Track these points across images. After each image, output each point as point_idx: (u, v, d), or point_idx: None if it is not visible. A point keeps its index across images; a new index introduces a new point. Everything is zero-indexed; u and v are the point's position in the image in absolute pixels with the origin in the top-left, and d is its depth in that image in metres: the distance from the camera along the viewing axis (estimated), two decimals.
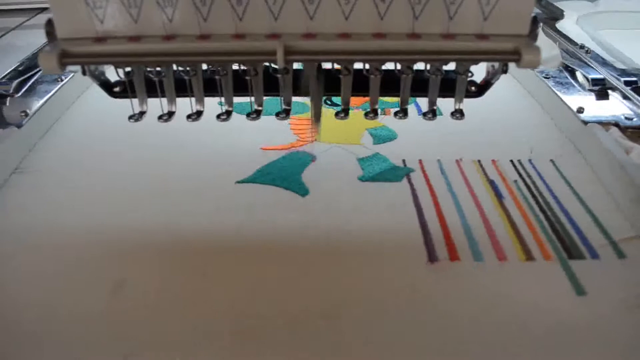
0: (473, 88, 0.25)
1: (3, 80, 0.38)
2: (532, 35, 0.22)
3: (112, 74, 0.24)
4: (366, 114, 0.25)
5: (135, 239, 0.26)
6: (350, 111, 0.25)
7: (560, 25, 0.53)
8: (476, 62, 0.23)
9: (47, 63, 0.21)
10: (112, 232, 0.27)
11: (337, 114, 0.25)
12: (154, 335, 0.21)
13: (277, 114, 0.25)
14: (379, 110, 0.36)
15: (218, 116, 0.25)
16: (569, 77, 0.40)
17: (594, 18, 0.57)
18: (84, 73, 0.23)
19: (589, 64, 0.41)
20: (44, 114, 0.36)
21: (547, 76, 0.40)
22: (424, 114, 0.25)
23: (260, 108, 0.25)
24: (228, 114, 0.25)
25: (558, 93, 0.37)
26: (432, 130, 0.35)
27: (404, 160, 0.32)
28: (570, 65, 0.41)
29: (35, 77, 0.39)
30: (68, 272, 0.24)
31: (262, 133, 0.34)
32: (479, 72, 0.25)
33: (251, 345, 0.21)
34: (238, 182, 0.30)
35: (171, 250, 0.25)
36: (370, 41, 0.21)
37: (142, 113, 0.25)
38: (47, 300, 0.23)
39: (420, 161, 0.32)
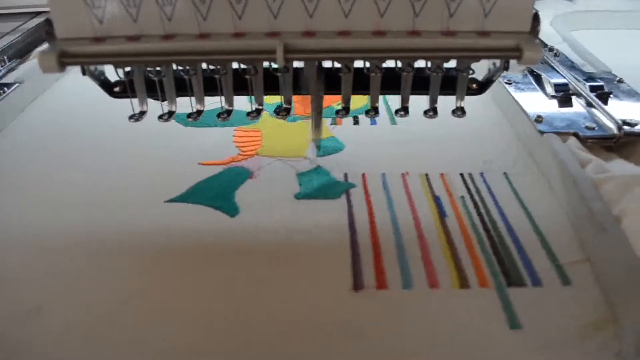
0: (474, 85, 0.25)
1: None
2: (534, 31, 0.22)
3: (112, 74, 0.24)
4: (367, 112, 0.25)
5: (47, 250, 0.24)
6: (295, 122, 0.24)
7: None
8: (477, 59, 0.23)
9: (46, 63, 0.21)
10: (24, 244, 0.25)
11: (277, 112, 0.25)
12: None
13: (248, 114, 0.25)
14: (329, 120, 0.34)
15: (219, 115, 0.25)
16: (533, 82, 0.38)
17: (570, 18, 0.55)
18: (83, 73, 0.24)
19: (556, 68, 0.39)
20: None
21: (510, 82, 0.38)
22: (425, 112, 0.25)
23: (260, 107, 0.25)
24: (228, 113, 0.25)
25: (518, 100, 0.35)
26: (382, 140, 0.33)
27: (345, 175, 0.30)
28: (536, 70, 0.39)
29: None
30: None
31: (203, 142, 0.33)
32: (479, 69, 0.24)
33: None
34: (166, 201, 0.28)
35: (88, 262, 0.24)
36: (371, 39, 0.21)
37: (142, 113, 0.25)
38: None
39: (363, 175, 0.30)
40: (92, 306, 0.22)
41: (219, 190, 0.29)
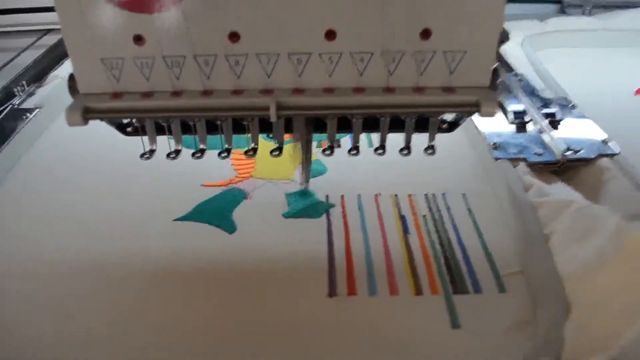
0: (445, 125, 0.29)
1: None
2: (493, 85, 0.25)
3: None
4: (349, 151, 0.29)
5: (72, 268, 0.30)
6: (284, 146, 0.28)
7: (504, 48, 0.56)
8: (442, 113, 0.27)
9: (73, 118, 0.25)
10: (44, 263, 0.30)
11: (271, 152, 0.29)
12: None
13: (246, 152, 0.29)
14: (315, 143, 0.40)
15: (219, 154, 0.29)
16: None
17: (540, 38, 0.60)
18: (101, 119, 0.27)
19: (516, 94, 0.44)
20: (9, 148, 0.40)
21: None
22: (400, 150, 0.28)
23: (256, 147, 0.29)
24: (228, 152, 0.29)
25: (481, 126, 0.40)
26: (360, 164, 0.38)
27: (327, 196, 0.35)
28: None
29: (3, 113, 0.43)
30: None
31: (208, 169, 0.38)
32: None
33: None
34: (175, 219, 0.33)
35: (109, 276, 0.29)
36: (351, 97, 0.25)
37: (152, 151, 0.29)
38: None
39: (342, 196, 0.35)
40: (113, 314, 0.27)
41: (218, 210, 0.34)
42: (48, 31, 0.69)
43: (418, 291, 0.28)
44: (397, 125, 0.29)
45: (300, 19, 0.24)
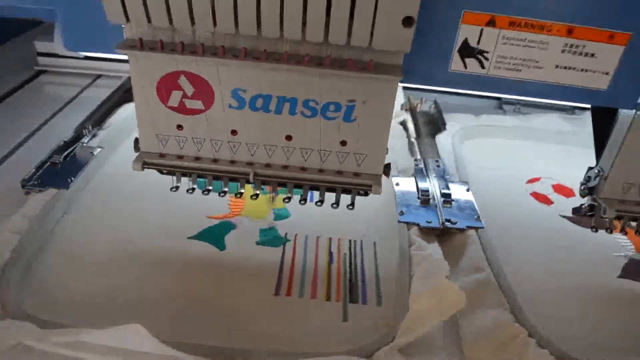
0: (363, 193, 0.44)
1: (55, 152, 0.61)
2: (386, 173, 0.43)
3: None
4: (284, 200, 0.46)
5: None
6: (262, 195, 0.48)
7: (438, 137, 0.76)
8: (347, 192, 0.44)
9: (136, 167, 0.42)
10: (121, 264, 0.50)
11: (251, 196, 0.47)
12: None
13: (235, 194, 0.46)
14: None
15: (219, 193, 0.46)
16: (414, 187, 0.63)
17: (470, 130, 0.80)
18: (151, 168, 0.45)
19: (428, 176, 0.64)
20: (81, 179, 0.60)
21: (398, 184, 0.63)
22: (316, 202, 0.46)
23: (242, 191, 0.46)
24: (225, 193, 0.46)
25: (397, 198, 0.60)
26: (313, 213, 0.58)
27: (286, 234, 0.55)
28: (415, 176, 0.64)
29: (74, 150, 0.63)
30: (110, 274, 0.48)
31: (213, 204, 0.58)
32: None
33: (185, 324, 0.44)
34: (188, 237, 0.53)
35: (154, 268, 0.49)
36: (298, 173, 0.43)
37: (177, 187, 0.45)
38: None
39: (295, 235, 0.55)
40: (148, 285, 0.47)
41: (217, 234, 0.54)
42: (99, 76, 0.90)
43: (328, 297, 0.48)
44: (331, 190, 0.45)
45: (272, 127, 0.41)
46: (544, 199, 0.68)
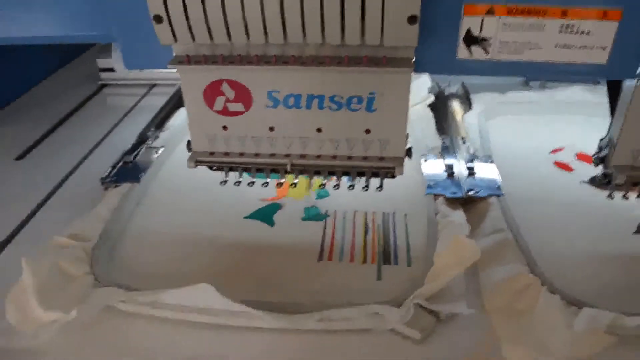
0: (390, 175, 0.50)
1: (126, 153, 0.72)
2: (408, 155, 0.50)
3: None
4: (319, 185, 0.55)
5: (208, 241, 0.59)
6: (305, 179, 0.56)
7: (466, 116, 0.82)
8: (374, 175, 0.50)
9: (190, 164, 0.49)
10: (191, 240, 0.60)
11: (291, 184, 0.56)
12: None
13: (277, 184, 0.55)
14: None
15: (262, 184, 0.55)
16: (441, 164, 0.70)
17: (497, 107, 0.85)
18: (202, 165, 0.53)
19: (454, 151, 0.71)
20: (149, 174, 0.70)
21: (426, 160, 0.70)
22: (348, 187, 0.54)
23: (282, 180, 0.54)
24: (267, 184, 0.55)
25: (423, 173, 0.67)
26: (350, 193, 0.65)
27: (326, 210, 0.63)
28: (442, 153, 0.71)
29: (141, 150, 0.73)
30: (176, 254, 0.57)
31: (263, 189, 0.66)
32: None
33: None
34: (245, 217, 0.62)
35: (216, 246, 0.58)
36: (329, 161, 0.50)
37: (225, 181, 0.53)
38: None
39: (335, 211, 0.63)
40: (209, 260, 0.56)
41: (266, 213, 0.63)
42: (154, 85, 1.01)
43: (364, 261, 0.56)
44: (361, 174, 0.54)
45: (304, 121, 0.49)
46: (566, 167, 0.73)
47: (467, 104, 0.85)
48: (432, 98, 0.84)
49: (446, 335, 0.47)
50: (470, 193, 0.63)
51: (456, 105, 0.85)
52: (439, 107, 0.84)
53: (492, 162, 0.69)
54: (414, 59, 0.45)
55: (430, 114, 0.81)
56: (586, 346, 0.43)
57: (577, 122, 0.83)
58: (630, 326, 0.45)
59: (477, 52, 0.47)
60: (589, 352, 0.43)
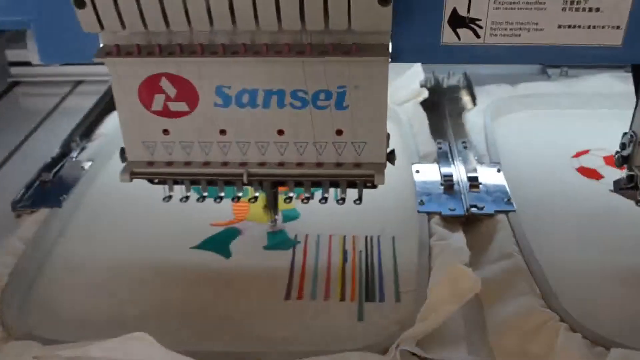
0: (370, 185, 0.51)
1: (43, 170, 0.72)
2: (390, 160, 0.51)
3: None
4: (284, 200, 0.56)
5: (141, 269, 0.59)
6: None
7: (467, 115, 0.84)
8: (350, 185, 0.52)
9: (124, 178, 0.50)
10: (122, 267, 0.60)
11: (249, 199, 0.57)
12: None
13: (232, 199, 0.56)
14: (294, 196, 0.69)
15: (214, 199, 0.56)
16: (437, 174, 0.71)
17: (506, 103, 0.87)
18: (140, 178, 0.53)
19: (452, 159, 0.72)
20: (73, 196, 0.70)
21: (418, 171, 0.71)
22: (319, 200, 0.55)
23: (238, 195, 0.56)
24: (220, 198, 0.56)
25: (415, 185, 0.69)
26: (325, 211, 0.66)
27: (295, 235, 0.64)
28: (437, 161, 0.72)
29: (63, 165, 0.74)
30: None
31: (215, 210, 0.67)
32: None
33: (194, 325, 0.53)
34: (191, 247, 0.63)
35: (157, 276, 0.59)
36: (294, 169, 0.51)
37: (170, 196, 0.55)
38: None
39: (306, 236, 0.64)
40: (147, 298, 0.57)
41: (220, 242, 0.63)
42: (80, 82, 1.01)
43: (342, 297, 0.57)
44: (335, 184, 0.54)
45: (261, 122, 0.49)
46: (592, 174, 0.74)
47: (470, 99, 0.87)
48: (425, 94, 0.85)
49: None
50: (473, 210, 0.64)
51: (456, 102, 0.87)
52: (435, 104, 0.85)
53: (499, 170, 0.71)
54: (390, 46, 0.47)
55: (423, 113, 0.83)
56: None
57: (605, 117, 0.85)
58: None
59: (466, 35, 0.47)
60: None
